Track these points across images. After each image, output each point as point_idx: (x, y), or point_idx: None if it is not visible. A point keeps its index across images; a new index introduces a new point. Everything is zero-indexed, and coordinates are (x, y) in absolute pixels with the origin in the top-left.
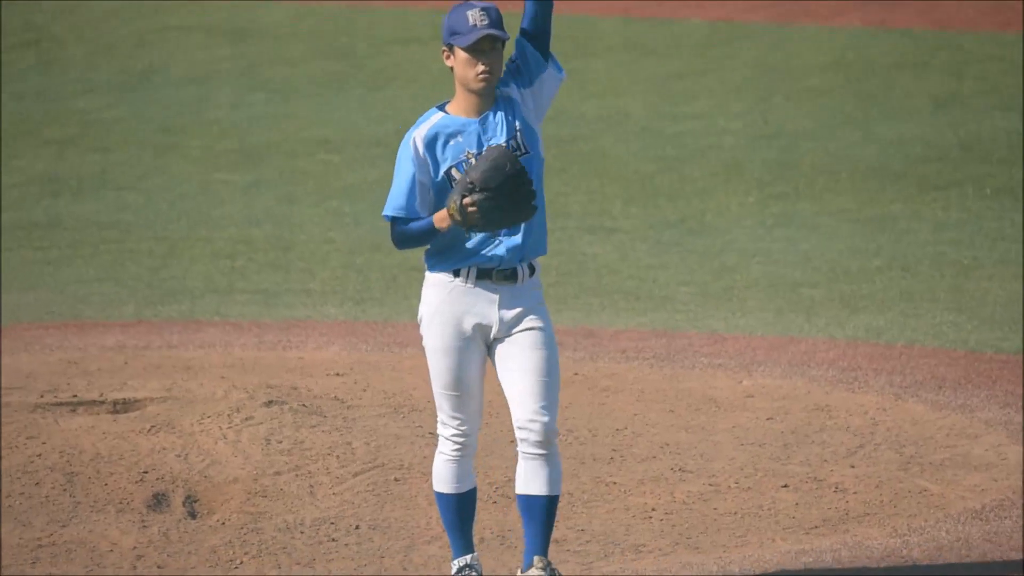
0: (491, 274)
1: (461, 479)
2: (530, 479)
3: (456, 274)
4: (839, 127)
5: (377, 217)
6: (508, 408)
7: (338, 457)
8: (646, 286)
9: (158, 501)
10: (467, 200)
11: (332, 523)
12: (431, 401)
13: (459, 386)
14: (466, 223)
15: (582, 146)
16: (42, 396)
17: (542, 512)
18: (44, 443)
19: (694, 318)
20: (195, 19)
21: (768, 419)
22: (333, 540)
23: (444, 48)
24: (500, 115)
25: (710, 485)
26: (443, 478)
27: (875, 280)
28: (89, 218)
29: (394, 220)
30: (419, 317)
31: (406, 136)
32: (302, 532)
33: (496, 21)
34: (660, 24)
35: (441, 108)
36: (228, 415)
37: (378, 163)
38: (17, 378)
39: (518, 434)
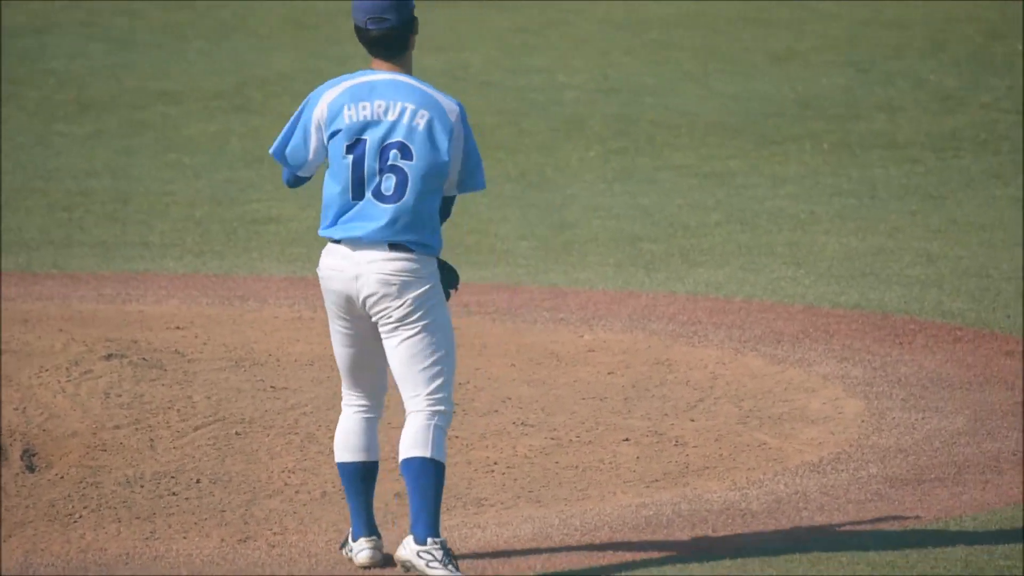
0: None
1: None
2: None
3: None
4: (679, 82)
5: (218, 170)
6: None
7: (178, 411)
8: (487, 240)
9: None
10: None
11: (172, 477)
12: (271, 354)
13: None
14: None
15: None
16: None
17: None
18: None
19: (535, 272)
20: None
21: (609, 373)
22: (174, 494)
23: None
24: None
25: (552, 439)
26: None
27: (714, 234)
28: None
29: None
30: (428, 290)
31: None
32: (142, 486)
33: None
34: None
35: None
36: (67, 368)
37: (218, 116)
38: None
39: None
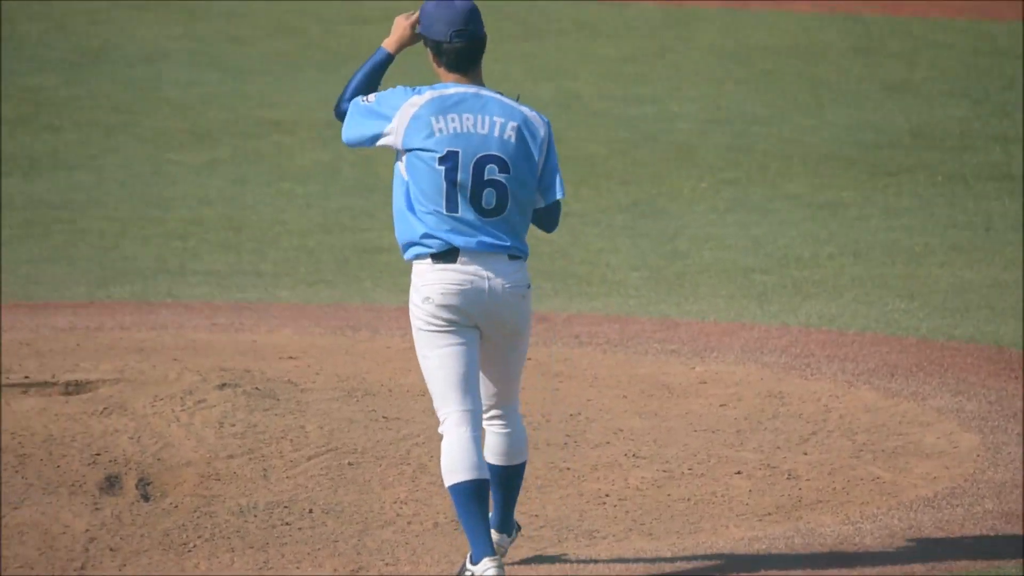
0: None
1: None
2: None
3: None
4: (791, 112)
5: (330, 199)
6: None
7: (291, 440)
8: (598, 271)
9: (111, 483)
10: None
11: (286, 507)
12: (384, 385)
13: None
14: None
15: None
16: None
17: None
18: None
19: (646, 303)
20: None
21: (721, 405)
22: (287, 524)
23: None
24: None
25: (663, 471)
26: None
27: (827, 266)
28: (41, 198)
29: None
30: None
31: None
32: (255, 516)
33: None
34: (612, 7)
35: None
36: (181, 397)
37: (330, 145)
38: None
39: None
